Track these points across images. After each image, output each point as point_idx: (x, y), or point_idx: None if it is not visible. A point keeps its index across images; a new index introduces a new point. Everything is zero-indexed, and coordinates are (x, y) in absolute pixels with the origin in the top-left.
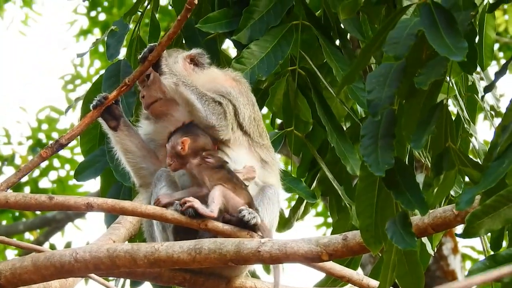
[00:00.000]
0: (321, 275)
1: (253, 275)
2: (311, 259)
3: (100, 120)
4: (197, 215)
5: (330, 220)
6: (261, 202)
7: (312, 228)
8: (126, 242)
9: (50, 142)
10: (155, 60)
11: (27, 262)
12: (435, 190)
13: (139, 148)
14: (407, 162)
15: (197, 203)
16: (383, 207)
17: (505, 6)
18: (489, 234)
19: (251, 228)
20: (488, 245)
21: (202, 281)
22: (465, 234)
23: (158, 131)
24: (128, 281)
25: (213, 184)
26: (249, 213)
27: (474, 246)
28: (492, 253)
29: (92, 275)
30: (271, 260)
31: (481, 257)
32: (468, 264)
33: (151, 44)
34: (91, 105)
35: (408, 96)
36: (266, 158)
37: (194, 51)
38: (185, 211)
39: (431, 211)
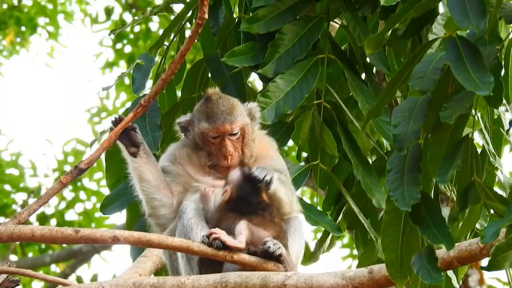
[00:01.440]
0: None
1: None
2: None
3: (120, 144)
4: (224, 247)
5: (356, 252)
6: (287, 233)
7: (338, 260)
8: (152, 275)
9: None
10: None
11: None
12: (461, 223)
13: (155, 178)
14: (432, 196)
15: (224, 235)
16: (408, 241)
17: None
18: None
19: (276, 259)
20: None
21: None
22: (490, 267)
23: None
24: None
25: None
26: (274, 244)
27: (499, 278)
28: None
29: None
30: None
31: None
32: None
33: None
34: (109, 127)
35: (434, 130)
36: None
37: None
38: (212, 242)
39: (456, 244)
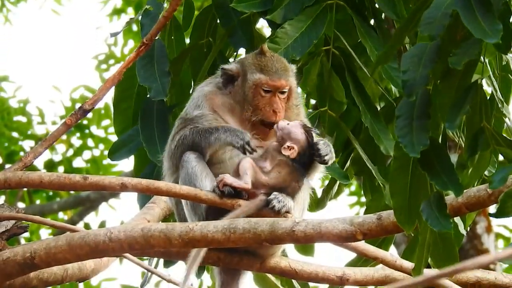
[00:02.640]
0: (351, 256)
1: (284, 255)
2: (345, 238)
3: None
4: (235, 194)
5: (363, 199)
6: None
7: (345, 207)
8: (160, 221)
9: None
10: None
11: (62, 242)
12: (470, 170)
13: None
14: (441, 143)
15: (229, 178)
16: (417, 188)
17: None
18: None
19: (284, 216)
20: None
21: (236, 260)
22: (499, 214)
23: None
24: (161, 261)
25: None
26: (279, 202)
27: (507, 226)
28: None
29: (127, 254)
30: (306, 239)
31: None
32: (501, 243)
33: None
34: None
35: (443, 77)
36: None
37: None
38: (223, 189)
39: (465, 190)
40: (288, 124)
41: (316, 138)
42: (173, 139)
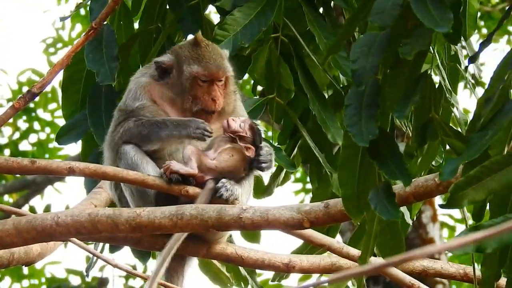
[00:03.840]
0: (298, 243)
1: (230, 241)
2: (293, 226)
3: None
4: (183, 180)
5: (308, 186)
6: None
7: (290, 194)
8: (107, 207)
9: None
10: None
11: (9, 226)
12: (418, 160)
13: None
14: (389, 132)
15: (175, 164)
16: (365, 177)
17: None
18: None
19: (231, 203)
20: (467, 213)
21: (182, 246)
22: (449, 205)
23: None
24: (107, 245)
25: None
26: (226, 190)
27: (452, 215)
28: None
29: (73, 239)
30: (253, 226)
31: (459, 226)
32: (446, 232)
33: None
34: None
35: (393, 66)
36: None
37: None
38: (170, 177)
39: (413, 180)
40: (240, 125)
41: (262, 143)
42: (115, 130)
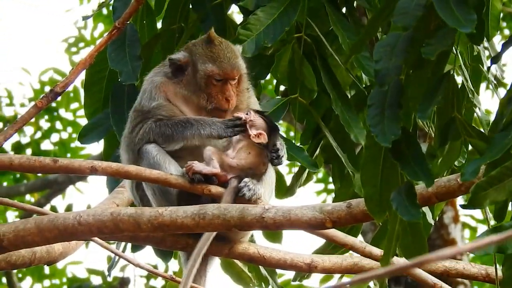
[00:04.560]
0: (321, 242)
1: (251, 241)
2: (315, 226)
3: None
4: (205, 180)
5: (330, 186)
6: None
7: (312, 194)
8: (129, 206)
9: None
10: None
11: (31, 225)
12: (440, 160)
13: None
14: (412, 133)
15: (197, 165)
16: (388, 177)
17: None
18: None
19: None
20: (489, 214)
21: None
22: (470, 205)
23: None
24: (129, 245)
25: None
26: (249, 190)
27: (473, 215)
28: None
29: (95, 238)
30: (275, 226)
31: (480, 226)
32: (467, 233)
33: None
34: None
35: (415, 67)
36: None
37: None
38: (193, 177)
39: (435, 180)
40: (246, 114)
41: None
42: (132, 131)
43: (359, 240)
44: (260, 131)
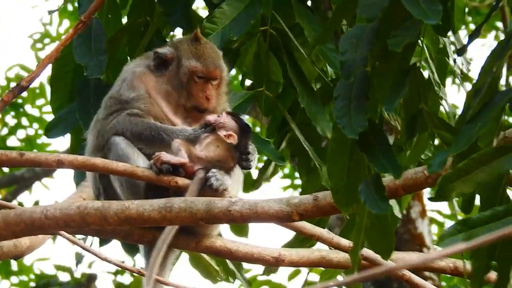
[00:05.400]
0: (289, 236)
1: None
2: (282, 218)
3: None
4: (173, 171)
5: (297, 182)
6: None
7: (278, 190)
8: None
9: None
10: None
11: None
12: (408, 153)
13: None
14: (379, 124)
15: (165, 155)
16: (355, 169)
17: None
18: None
19: (220, 194)
20: (457, 208)
21: (171, 240)
22: (437, 197)
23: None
24: (96, 240)
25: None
26: (217, 180)
27: (441, 210)
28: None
29: (62, 232)
30: (242, 219)
31: (448, 222)
32: (434, 228)
33: None
34: None
35: (382, 58)
36: None
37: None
38: (161, 167)
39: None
40: (218, 116)
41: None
42: (106, 118)
43: (326, 231)
44: (230, 133)
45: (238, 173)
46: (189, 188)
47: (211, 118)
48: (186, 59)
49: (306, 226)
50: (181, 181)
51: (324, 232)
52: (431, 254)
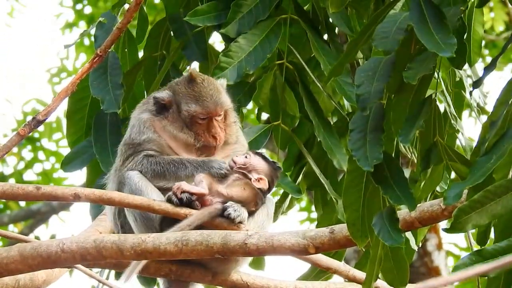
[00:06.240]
0: (306, 267)
1: None
2: (298, 251)
3: None
4: (190, 203)
5: (313, 215)
6: None
7: (295, 223)
8: (113, 233)
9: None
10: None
11: (14, 252)
12: (422, 184)
13: None
14: (394, 157)
15: (186, 185)
16: (370, 201)
17: (491, 4)
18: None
19: (236, 225)
20: (473, 241)
21: (188, 273)
22: (452, 229)
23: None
24: (113, 272)
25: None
26: (235, 211)
27: (457, 243)
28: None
29: (78, 265)
30: (258, 252)
31: (464, 254)
32: (451, 261)
33: None
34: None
35: (397, 91)
36: None
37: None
38: (181, 197)
39: (418, 205)
40: (246, 157)
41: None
42: (123, 164)
43: (343, 264)
44: (261, 176)
45: (269, 207)
46: (201, 211)
47: (239, 160)
48: (184, 103)
49: (322, 258)
50: None
51: (340, 264)
52: (445, 277)
